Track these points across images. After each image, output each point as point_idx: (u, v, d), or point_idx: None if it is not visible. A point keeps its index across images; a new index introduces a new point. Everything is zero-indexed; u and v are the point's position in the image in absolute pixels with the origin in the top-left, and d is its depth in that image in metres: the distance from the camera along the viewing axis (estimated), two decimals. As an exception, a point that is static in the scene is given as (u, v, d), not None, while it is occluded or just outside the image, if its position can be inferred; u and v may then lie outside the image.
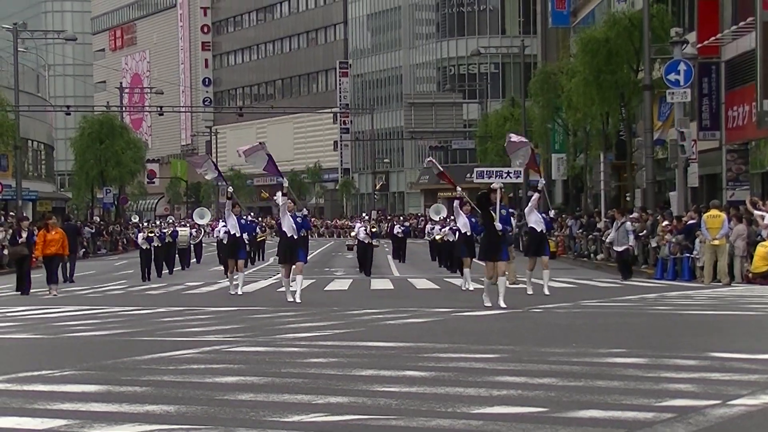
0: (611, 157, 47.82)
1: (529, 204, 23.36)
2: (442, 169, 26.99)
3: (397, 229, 43.99)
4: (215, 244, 37.62)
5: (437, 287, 26.33)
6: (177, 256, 38.78)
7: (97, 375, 10.63)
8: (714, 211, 26.06)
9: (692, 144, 36.41)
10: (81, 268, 42.19)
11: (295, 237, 20.95)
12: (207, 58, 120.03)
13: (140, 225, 38.29)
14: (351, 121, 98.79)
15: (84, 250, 56.67)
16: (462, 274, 32.32)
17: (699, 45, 39.00)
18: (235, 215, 24.05)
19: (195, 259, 42.79)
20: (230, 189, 24.43)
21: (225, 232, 33.03)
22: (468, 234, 24.18)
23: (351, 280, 29.50)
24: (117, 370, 10.95)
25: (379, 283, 28.29)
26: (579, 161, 54.36)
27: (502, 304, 17.95)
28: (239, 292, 23.38)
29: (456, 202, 24.45)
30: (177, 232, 38.01)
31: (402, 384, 9.59)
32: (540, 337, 13.64)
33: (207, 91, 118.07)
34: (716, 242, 25.48)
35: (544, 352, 11.76)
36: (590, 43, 41.20)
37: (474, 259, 24.47)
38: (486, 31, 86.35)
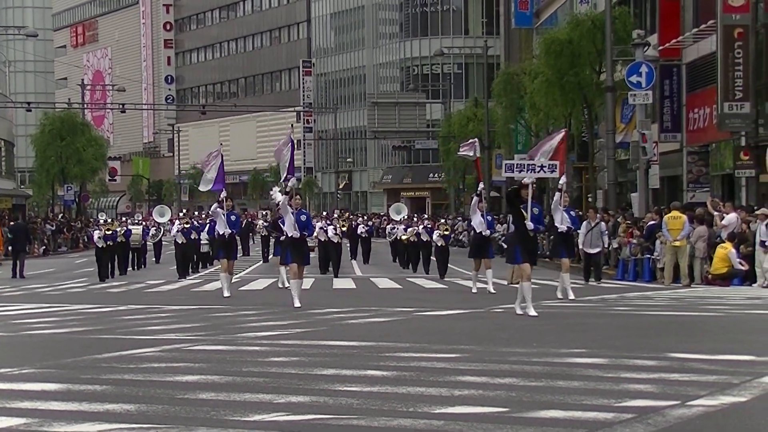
0: (573, 158, 48.00)
1: (553, 203, 21.88)
2: (479, 155, 25.87)
3: (361, 229, 41.36)
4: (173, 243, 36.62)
5: (399, 287, 26.32)
6: (133, 255, 37.60)
7: (57, 373, 10.56)
8: (675, 213, 26.23)
9: (653, 146, 36.64)
10: (41, 266, 41.93)
11: (297, 236, 19.22)
12: (169, 55, 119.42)
13: (98, 222, 37.12)
14: (314, 120, 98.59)
15: (44, 247, 56.30)
16: (417, 271, 32.47)
17: (660, 47, 39.24)
18: (227, 210, 22.79)
19: (154, 259, 42.15)
20: (224, 194, 23.21)
21: (179, 230, 32.52)
22: (482, 234, 23.05)
23: (313, 279, 29.43)
24: (77, 369, 10.89)
25: (341, 283, 28.26)
26: (541, 162, 54.54)
27: (532, 312, 16.35)
28: (226, 294, 22.20)
29: (474, 199, 23.62)
30: (130, 231, 36.73)
31: (364, 383, 9.61)
32: (501, 337, 13.68)
33: (169, 89, 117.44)
34: (677, 243, 25.64)
35: (506, 352, 11.80)
36: (553, 45, 41.35)
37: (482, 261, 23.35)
38: (449, 31, 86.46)
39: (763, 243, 23.96)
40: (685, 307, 18.27)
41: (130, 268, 36.60)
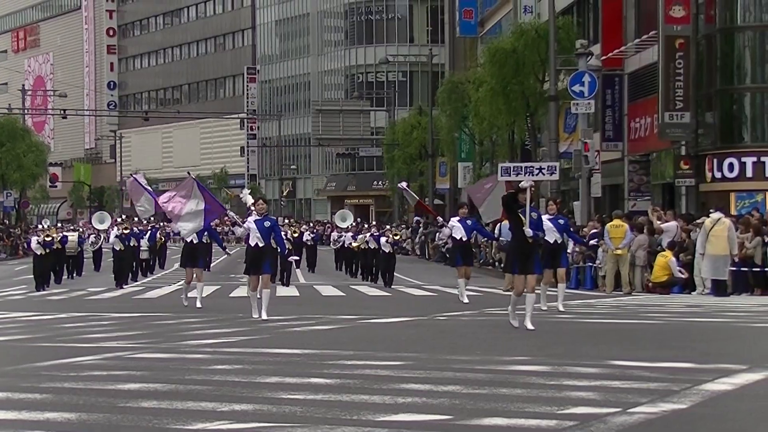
0: (516, 167, 48.19)
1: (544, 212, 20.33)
2: (417, 198, 25.01)
3: (306, 236, 39.95)
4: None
5: (343, 294, 26.30)
6: (69, 263, 36.23)
7: (-4, 382, 10.43)
8: (617, 221, 26.44)
9: (595, 154, 36.95)
10: (-20, 273, 41.37)
11: (260, 245, 18.29)
12: (112, 61, 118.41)
13: (37, 229, 35.67)
14: (258, 127, 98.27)
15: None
16: (368, 279, 32.38)
17: (603, 57, 39.60)
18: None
19: (94, 267, 40.98)
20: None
21: (116, 236, 31.28)
22: (464, 240, 21.95)
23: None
24: (17, 377, 10.77)
25: (284, 290, 28.17)
26: (485, 170, 54.75)
27: (529, 326, 15.27)
28: (198, 305, 20.96)
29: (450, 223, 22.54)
30: (66, 237, 35.35)
31: (307, 391, 9.58)
32: (445, 345, 13.70)
33: (112, 95, 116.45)
34: (619, 252, 25.84)
35: (449, 359, 11.82)
36: (497, 54, 41.53)
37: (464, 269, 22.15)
38: (394, 39, 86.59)
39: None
40: (626, 315, 18.41)
41: (66, 277, 35.36)
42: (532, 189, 16.00)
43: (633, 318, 17.79)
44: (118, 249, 30.57)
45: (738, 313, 18.68)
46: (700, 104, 34.79)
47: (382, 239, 30.47)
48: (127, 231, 31.34)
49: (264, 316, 17.99)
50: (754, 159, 33.41)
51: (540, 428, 7.82)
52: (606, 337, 14.59)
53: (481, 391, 9.52)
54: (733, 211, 30.32)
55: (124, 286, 29.98)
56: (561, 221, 20.04)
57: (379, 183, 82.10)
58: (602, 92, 39.19)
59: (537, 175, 17.53)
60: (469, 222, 22.19)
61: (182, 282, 22.80)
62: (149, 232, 36.26)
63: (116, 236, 30.76)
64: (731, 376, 10.37)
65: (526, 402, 8.89)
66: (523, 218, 15.44)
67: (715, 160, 34.01)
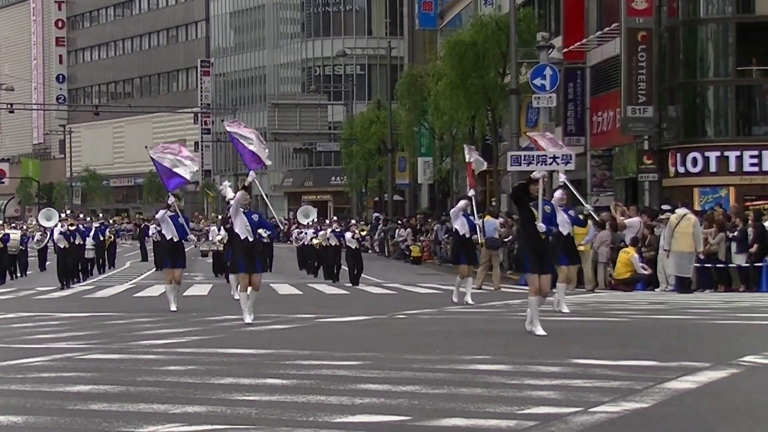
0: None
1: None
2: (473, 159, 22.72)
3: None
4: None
5: (300, 293, 26.11)
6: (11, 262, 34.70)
7: (-61, 384, 10.17)
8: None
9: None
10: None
11: (250, 239, 17.25)
12: (61, 54, 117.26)
13: None
14: (213, 122, 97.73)
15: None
16: (329, 278, 32.02)
17: (565, 50, 39.54)
18: (172, 214, 20.24)
19: (39, 266, 39.21)
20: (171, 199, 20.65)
21: (60, 233, 29.90)
22: (467, 236, 20.99)
23: (211, 286, 28.97)
24: (-39, 379, 10.51)
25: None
26: (445, 165, 54.70)
27: (539, 332, 14.03)
28: (173, 308, 19.80)
29: (462, 203, 21.29)
30: (8, 235, 33.72)
31: (262, 392, 9.46)
32: (404, 344, 13.59)
33: (61, 89, 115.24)
34: (581, 248, 25.69)
35: (408, 359, 11.72)
36: (457, 47, 41.33)
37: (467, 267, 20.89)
38: (352, 31, 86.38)
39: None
40: (589, 313, 18.35)
41: (8, 278, 33.81)
42: (545, 180, 14.81)
43: (596, 316, 17.75)
44: (62, 247, 29.00)
45: (701, 310, 18.67)
46: (663, 98, 34.78)
47: (348, 234, 29.99)
48: (73, 228, 29.91)
49: (250, 319, 16.68)
50: (718, 153, 33.44)
51: (500, 428, 7.73)
52: (568, 335, 14.49)
53: (441, 390, 9.42)
54: (696, 206, 30.37)
55: (70, 286, 28.85)
56: (572, 212, 19.15)
57: (337, 179, 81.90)
58: (564, 86, 39.13)
59: (550, 164, 16.36)
60: (472, 218, 21.32)
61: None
62: (94, 230, 35.57)
63: (60, 233, 29.01)
64: (694, 374, 10.31)
65: (487, 402, 8.80)
66: (535, 212, 14.28)
67: (678, 155, 34.03)
